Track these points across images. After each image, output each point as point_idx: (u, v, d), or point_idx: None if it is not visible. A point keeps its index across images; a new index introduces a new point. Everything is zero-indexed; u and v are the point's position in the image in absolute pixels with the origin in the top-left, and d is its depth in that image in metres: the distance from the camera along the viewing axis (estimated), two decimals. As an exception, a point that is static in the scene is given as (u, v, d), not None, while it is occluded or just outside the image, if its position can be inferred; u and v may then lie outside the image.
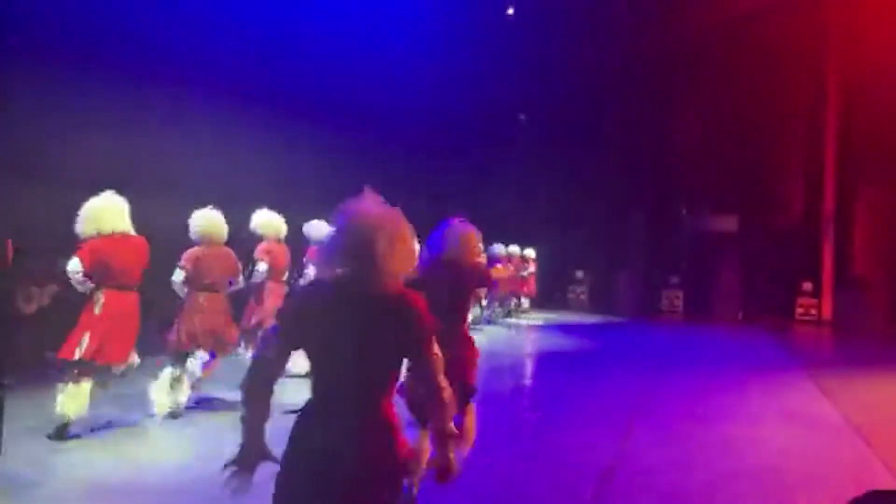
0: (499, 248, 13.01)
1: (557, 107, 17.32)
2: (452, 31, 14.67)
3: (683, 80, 15.81)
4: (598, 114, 17.03)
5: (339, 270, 2.07)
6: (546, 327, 13.58)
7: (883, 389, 7.91)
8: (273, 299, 7.17)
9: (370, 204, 2.11)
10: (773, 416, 6.47)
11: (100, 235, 5.14)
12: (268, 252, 7.11)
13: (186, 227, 6.06)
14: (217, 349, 6.18)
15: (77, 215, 5.18)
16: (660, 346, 11.86)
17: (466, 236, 4.09)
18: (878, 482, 4.66)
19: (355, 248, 2.03)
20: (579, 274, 18.24)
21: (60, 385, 4.97)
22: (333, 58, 11.79)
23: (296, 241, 7.56)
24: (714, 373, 8.93)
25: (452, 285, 3.95)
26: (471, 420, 4.06)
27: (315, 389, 2.10)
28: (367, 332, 2.04)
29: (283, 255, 7.30)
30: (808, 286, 16.17)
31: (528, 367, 9.36)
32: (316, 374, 2.11)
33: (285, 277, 7.41)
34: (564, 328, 13.57)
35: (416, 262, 2.28)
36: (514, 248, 14.10)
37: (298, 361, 7.01)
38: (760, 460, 5.08)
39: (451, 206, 13.16)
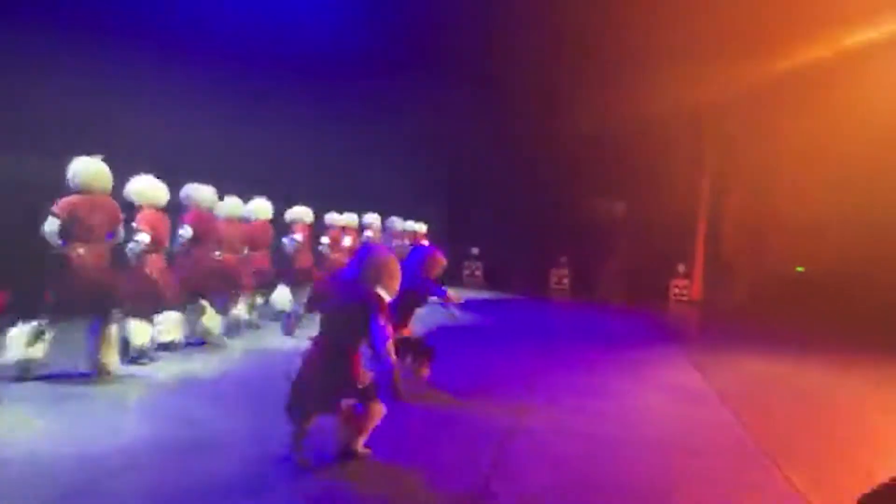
0: (398, 223, 13.10)
1: (455, 78, 17.33)
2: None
3: (581, 72, 16.35)
4: (497, 87, 17.18)
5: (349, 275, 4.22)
6: (441, 304, 13.79)
7: (745, 363, 8.72)
8: (155, 271, 6.80)
9: (383, 250, 4.33)
10: (652, 388, 7.00)
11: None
12: (148, 221, 6.72)
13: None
14: (98, 312, 5.89)
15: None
16: (549, 323, 12.40)
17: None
18: (737, 444, 5.19)
19: (369, 273, 4.17)
20: (474, 250, 18.65)
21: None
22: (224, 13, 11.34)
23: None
24: (599, 348, 9.48)
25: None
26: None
27: (320, 336, 4.20)
28: (351, 311, 4.12)
29: (163, 224, 6.93)
30: (681, 268, 17.42)
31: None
32: (322, 328, 4.21)
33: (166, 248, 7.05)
34: (459, 304, 13.82)
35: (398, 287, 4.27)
36: (410, 224, 14.16)
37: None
38: (644, 428, 5.51)
39: (338, 177, 13.13)
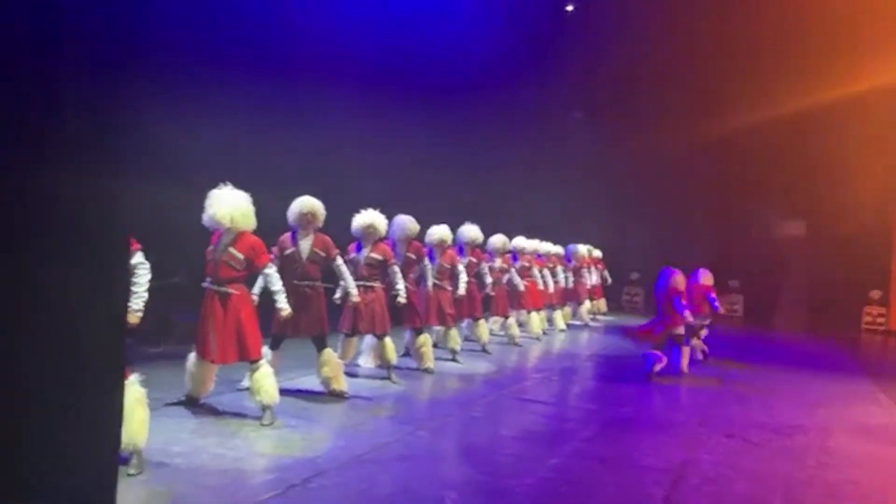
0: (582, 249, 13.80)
1: (615, 104, 17.17)
2: (511, 28, 14.73)
3: (756, 79, 15.44)
4: (662, 114, 16.75)
5: None
6: (605, 329, 13.54)
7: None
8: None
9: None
10: (845, 426, 6.38)
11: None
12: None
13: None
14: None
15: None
16: (721, 352, 11.68)
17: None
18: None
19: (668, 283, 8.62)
20: (634, 275, 18.06)
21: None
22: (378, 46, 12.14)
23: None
24: (781, 380, 8.81)
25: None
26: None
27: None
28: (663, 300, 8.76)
29: None
30: (876, 294, 15.66)
31: (593, 369, 9.41)
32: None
33: None
34: (624, 330, 13.46)
35: None
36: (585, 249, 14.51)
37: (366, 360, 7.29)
38: (834, 471, 5.04)
39: (504, 206, 13.39)
